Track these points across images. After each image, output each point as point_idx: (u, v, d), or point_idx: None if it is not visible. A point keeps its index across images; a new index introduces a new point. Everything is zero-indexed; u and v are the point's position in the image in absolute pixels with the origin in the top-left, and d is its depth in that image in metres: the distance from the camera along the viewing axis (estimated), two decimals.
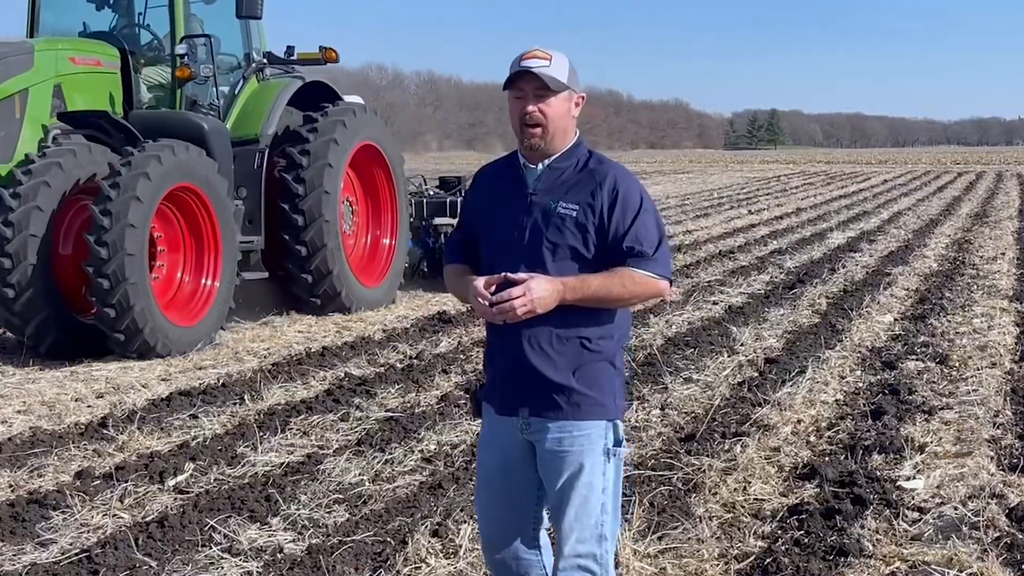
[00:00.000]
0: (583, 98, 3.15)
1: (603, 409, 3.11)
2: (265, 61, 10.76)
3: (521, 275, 2.99)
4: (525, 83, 3.06)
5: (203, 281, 9.39)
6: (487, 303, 3.00)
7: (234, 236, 9.52)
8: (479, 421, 3.35)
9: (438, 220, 12.82)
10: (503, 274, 3.02)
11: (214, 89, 10.13)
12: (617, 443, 3.15)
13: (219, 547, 4.65)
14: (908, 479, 5.36)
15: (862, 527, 4.67)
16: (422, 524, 4.80)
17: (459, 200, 11.83)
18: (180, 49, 9.69)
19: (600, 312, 3.09)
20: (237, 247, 9.61)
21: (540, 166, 3.14)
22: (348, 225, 11.13)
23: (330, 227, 10.28)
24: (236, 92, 10.46)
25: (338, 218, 10.46)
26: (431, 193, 13.54)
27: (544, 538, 3.34)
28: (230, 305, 9.52)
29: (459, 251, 3.31)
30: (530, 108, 3.06)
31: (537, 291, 2.96)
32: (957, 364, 7.97)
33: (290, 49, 10.94)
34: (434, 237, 12.86)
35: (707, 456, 5.76)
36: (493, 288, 3.02)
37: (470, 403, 3.38)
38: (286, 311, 10.71)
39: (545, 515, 3.28)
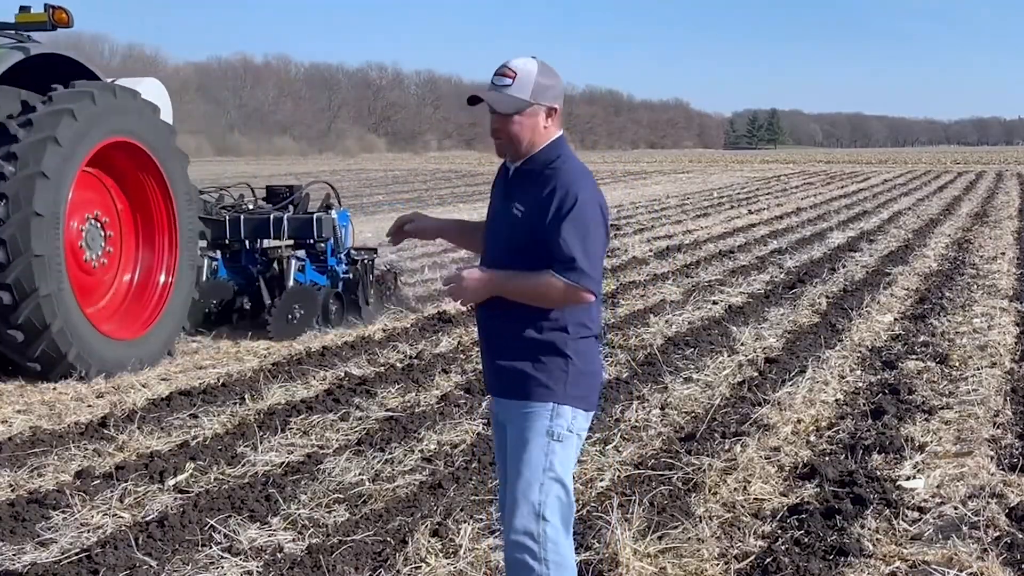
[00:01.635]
0: (555, 109, 3.28)
1: (548, 392, 3.26)
2: None
3: (467, 267, 3.28)
4: (483, 103, 3.27)
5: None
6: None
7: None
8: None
9: (268, 243, 10.18)
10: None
11: None
12: (566, 428, 3.26)
13: (219, 547, 4.65)
14: (908, 479, 5.36)
15: (862, 527, 4.67)
16: (422, 524, 4.80)
17: (287, 217, 9.93)
18: None
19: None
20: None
21: (512, 168, 3.36)
22: (95, 255, 8.18)
23: (44, 264, 7.36)
24: None
25: (62, 249, 7.56)
26: (251, 207, 10.51)
27: None
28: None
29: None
30: (494, 126, 3.29)
31: (467, 280, 3.23)
32: (957, 364, 7.97)
33: (24, 9, 8.27)
34: (263, 265, 10.08)
35: (707, 456, 5.76)
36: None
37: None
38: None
39: None
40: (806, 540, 4.57)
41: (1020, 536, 4.55)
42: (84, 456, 5.99)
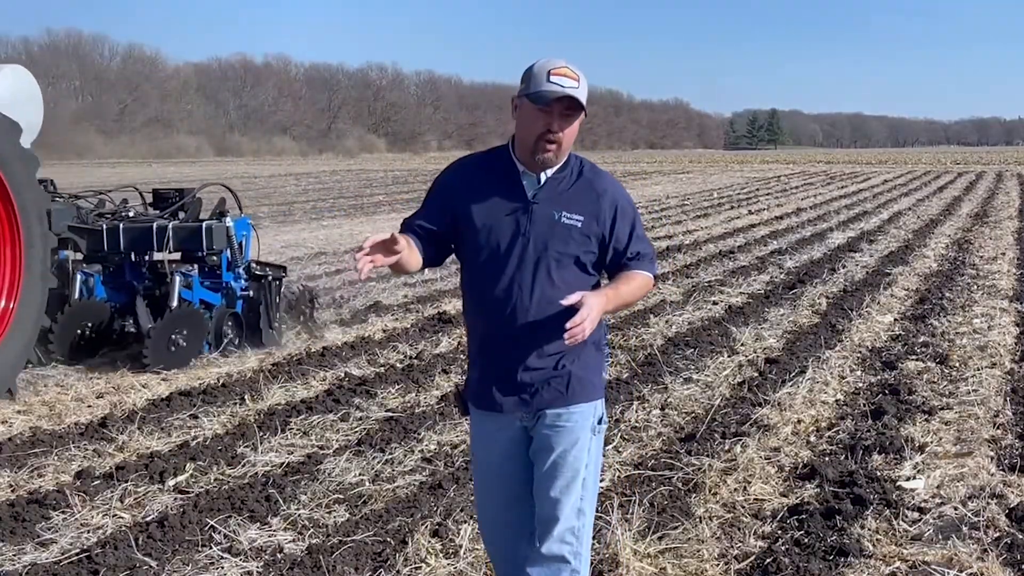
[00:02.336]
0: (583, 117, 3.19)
1: (595, 389, 3.28)
2: None
3: (572, 298, 3.05)
4: (555, 102, 3.07)
5: None
6: (575, 330, 3.01)
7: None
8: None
9: (158, 255, 8.77)
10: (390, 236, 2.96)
11: None
12: (600, 420, 3.30)
13: (219, 547, 4.65)
14: (908, 479, 5.36)
15: (862, 527, 4.67)
16: (422, 524, 4.80)
17: (172, 225, 8.59)
18: None
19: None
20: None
21: (543, 176, 3.18)
22: None
23: None
24: None
25: None
26: (132, 215, 9.08)
27: None
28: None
29: (410, 229, 3.22)
30: (555, 127, 3.09)
31: (596, 308, 3.08)
32: (957, 364, 7.97)
33: None
34: (150, 282, 8.80)
35: (707, 456, 5.76)
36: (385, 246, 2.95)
37: (456, 403, 3.43)
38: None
39: None
40: (806, 540, 4.57)
41: (1020, 536, 4.55)
42: (84, 456, 5.99)
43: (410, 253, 3.10)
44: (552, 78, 3.04)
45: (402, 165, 66.93)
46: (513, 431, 3.24)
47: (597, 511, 4.87)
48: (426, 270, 13.10)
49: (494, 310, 3.16)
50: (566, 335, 3.02)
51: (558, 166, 3.18)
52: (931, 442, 5.95)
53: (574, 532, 3.19)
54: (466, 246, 3.22)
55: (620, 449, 6.02)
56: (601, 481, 5.38)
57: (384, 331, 9.82)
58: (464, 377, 3.45)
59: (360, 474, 5.56)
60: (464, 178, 3.27)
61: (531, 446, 3.25)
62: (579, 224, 3.15)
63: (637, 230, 3.28)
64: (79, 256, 8.60)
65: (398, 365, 8.31)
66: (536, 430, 3.22)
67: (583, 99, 3.07)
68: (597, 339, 3.27)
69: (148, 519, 4.98)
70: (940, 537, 4.59)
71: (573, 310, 3.04)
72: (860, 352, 8.58)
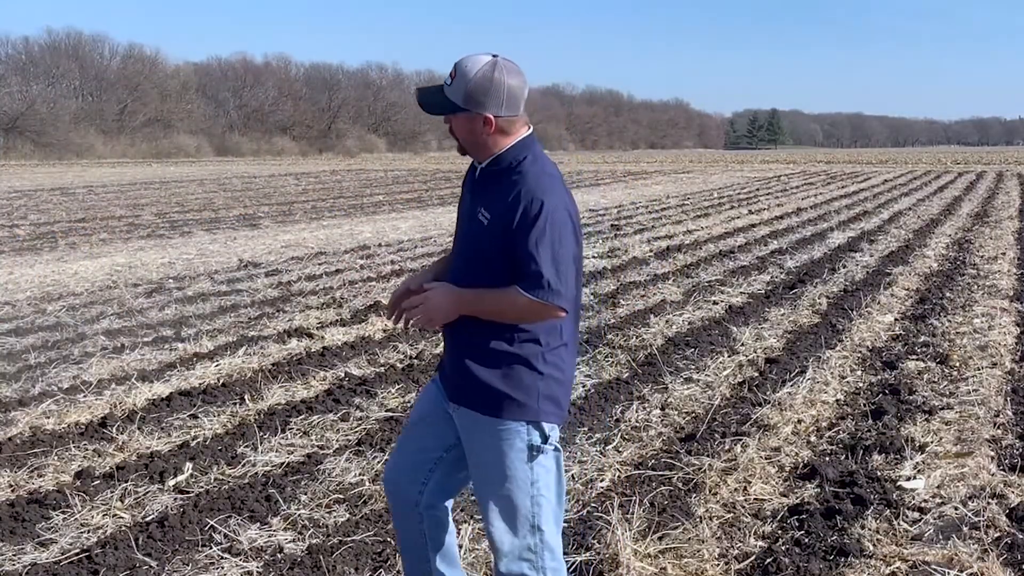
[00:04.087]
0: (489, 120, 3.07)
1: (523, 409, 3.14)
2: None
3: (429, 284, 3.13)
4: None
5: None
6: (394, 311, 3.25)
7: None
8: (556, 440, 3.37)
9: None
10: (413, 286, 3.28)
11: None
12: (544, 440, 3.18)
13: (219, 547, 4.65)
14: (908, 479, 5.36)
15: (862, 527, 4.67)
16: None
17: None
18: None
19: None
20: None
21: (479, 168, 3.22)
22: None
23: None
24: None
25: None
26: None
27: (433, 515, 3.44)
28: None
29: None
30: (446, 122, 3.20)
31: (433, 300, 3.09)
32: (957, 364, 7.97)
33: None
34: None
35: (707, 456, 5.76)
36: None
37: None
38: (280, 309, 10.72)
39: (436, 491, 3.42)
40: (806, 540, 4.57)
41: (1020, 536, 4.55)
42: (84, 456, 5.99)
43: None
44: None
45: (402, 165, 66.93)
46: (442, 404, 3.34)
47: (597, 511, 4.90)
48: None
49: None
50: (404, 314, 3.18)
51: (489, 160, 3.16)
52: (931, 442, 5.95)
53: (531, 548, 3.18)
54: None
55: (620, 449, 6.01)
56: (601, 481, 5.44)
57: (384, 331, 9.81)
58: None
59: (360, 474, 5.56)
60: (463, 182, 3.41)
61: (462, 439, 3.30)
62: (486, 222, 3.07)
63: (534, 244, 2.95)
64: None
65: (398, 365, 8.31)
66: (460, 424, 3.28)
67: (450, 97, 3.09)
68: (527, 355, 3.11)
69: (148, 519, 4.98)
70: (940, 537, 4.59)
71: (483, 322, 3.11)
72: (860, 352, 8.58)
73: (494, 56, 3.10)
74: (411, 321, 3.13)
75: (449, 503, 3.50)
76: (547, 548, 3.22)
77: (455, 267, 3.21)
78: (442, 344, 3.40)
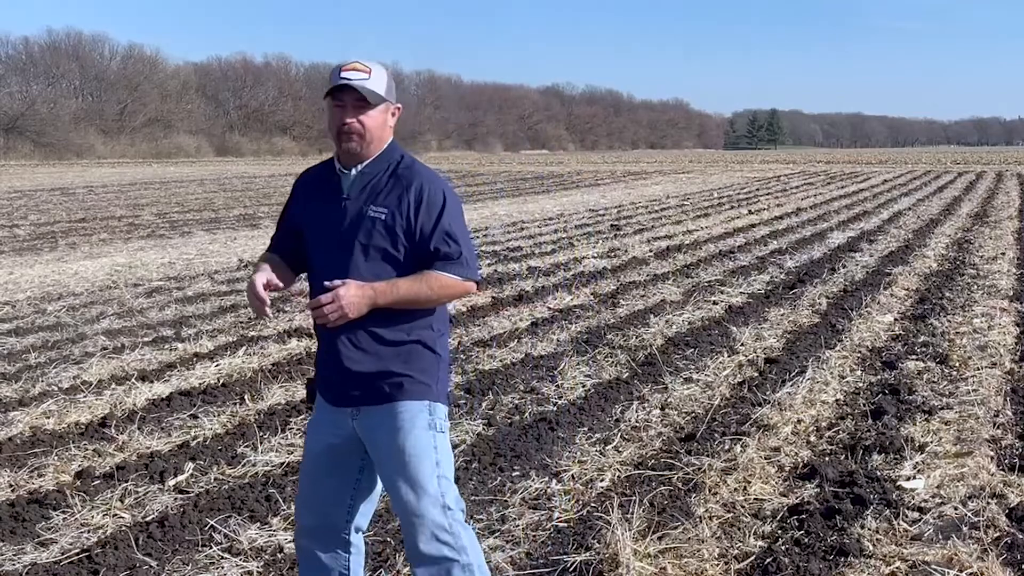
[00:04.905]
0: (399, 109, 3.32)
1: (425, 389, 3.27)
2: None
3: (335, 282, 3.13)
4: (345, 95, 3.18)
5: None
6: (267, 309, 3.22)
7: None
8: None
9: None
10: (272, 282, 3.26)
11: None
12: (443, 421, 3.30)
13: (219, 547, 4.65)
14: (908, 479, 5.36)
15: (862, 527, 4.67)
16: None
17: None
18: None
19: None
20: None
21: (353, 171, 3.26)
22: None
23: None
24: None
25: None
26: None
27: (358, 540, 3.48)
28: None
29: (274, 243, 3.48)
30: (348, 120, 3.19)
31: (347, 298, 3.11)
32: (957, 364, 7.97)
33: None
34: None
35: (707, 456, 5.76)
36: (267, 290, 3.24)
37: (307, 391, 3.47)
38: (279, 308, 10.71)
39: (361, 515, 3.45)
40: (806, 540, 4.57)
41: (1020, 536, 4.55)
42: (84, 456, 5.99)
43: (282, 273, 3.36)
44: (342, 74, 3.17)
45: None
46: (345, 425, 3.31)
47: (597, 511, 4.90)
48: None
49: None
50: (312, 315, 3.14)
51: (370, 160, 3.25)
52: (931, 442, 5.95)
53: (446, 528, 3.21)
54: (304, 246, 3.36)
55: (620, 449, 6.02)
56: (601, 481, 5.44)
57: None
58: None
59: None
60: (301, 186, 3.44)
61: (367, 447, 3.30)
62: (383, 216, 3.18)
63: (445, 226, 3.19)
64: None
65: None
66: (369, 430, 3.27)
67: (374, 88, 3.17)
68: (425, 338, 3.25)
69: (148, 519, 4.98)
70: (940, 537, 4.58)
71: (397, 310, 3.16)
72: (860, 352, 8.58)
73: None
74: (330, 319, 3.13)
75: (364, 528, 3.55)
76: (460, 525, 3.27)
77: (334, 266, 3.19)
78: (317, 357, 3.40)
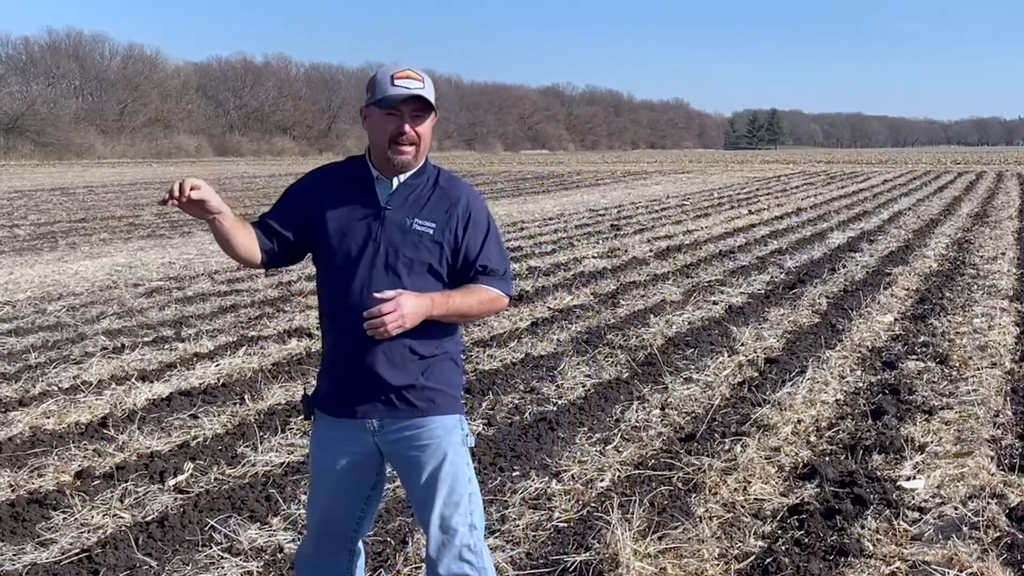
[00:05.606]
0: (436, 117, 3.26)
1: (455, 402, 3.26)
2: None
3: (389, 292, 3.04)
4: (403, 104, 3.09)
5: None
6: (373, 321, 3.02)
7: None
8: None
9: None
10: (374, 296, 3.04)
11: None
12: (466, 435, 3.28)
13: (219, 547, 4.65)
14: (908, 479, 5.36)
15: (862, 527, 4.67)
16: None
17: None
18: None
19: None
20: None
21: (395, 181, 3.18)
22: None
23: None
24: None
25: None
26: None
27: (359, 546, 3.44)
28: None
29: (262, 222, 3.24)
30: (407, 128, 3.10)
31: (407, 307, 3.03)
32: (957, 364, 7.97)
33: None
34: None
35: (707, 456, 5.76)
36: (375, 308, 3.01)
37: (303, 407, 3.38)
38: (280, 309, 10.72)
39: (368, 523, 3.40)
40: (806, 540, 4.57)
41: (1020, 536, 4.55)
42: (84, 456, 5.99)
43: (243, 234, 3.12)
44: (396, 82, 3.09)
45: None
46: (363, 440, 3.21)
47: (597, 511, 4.90)
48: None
49: (346, 316, 3.10)
50: (365, 324, 3.02)
51: (412, 172, 3.18)
52: (931, 442, 5.95)
53: (472, 549, 3.16)
54: (320, 251, 3.22)
55: (620, 449, 6.02)
56: (601, 481, 5.44)
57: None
58: (316, 381, 3.38)
59: None
60: (320, 183, 3.28)
61: (391, 460, 3.24)
62: (431, 231, 3.13)
63: (490, 243, 3.22)
64: None
65: None
66: (396, 444, 3.19)
67: (431, 98, 3.12)
68: (452, 352, 3.26)
69: (148, 519, 4.98)
70: (940, 537, 4.58)
71: (428, 322, 3.11)
72: (860, 352, 8.58)
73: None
74: (389, 330, 3.02)
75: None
76: (484, 547, 3.22)
77: (373, 277, 3.10)
78: (332, 369, 3.26)
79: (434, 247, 3.13)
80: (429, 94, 3.11)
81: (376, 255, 3.12)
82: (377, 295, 3.03)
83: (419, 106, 3.10)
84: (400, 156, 3.11)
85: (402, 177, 3.17)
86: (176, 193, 2.94)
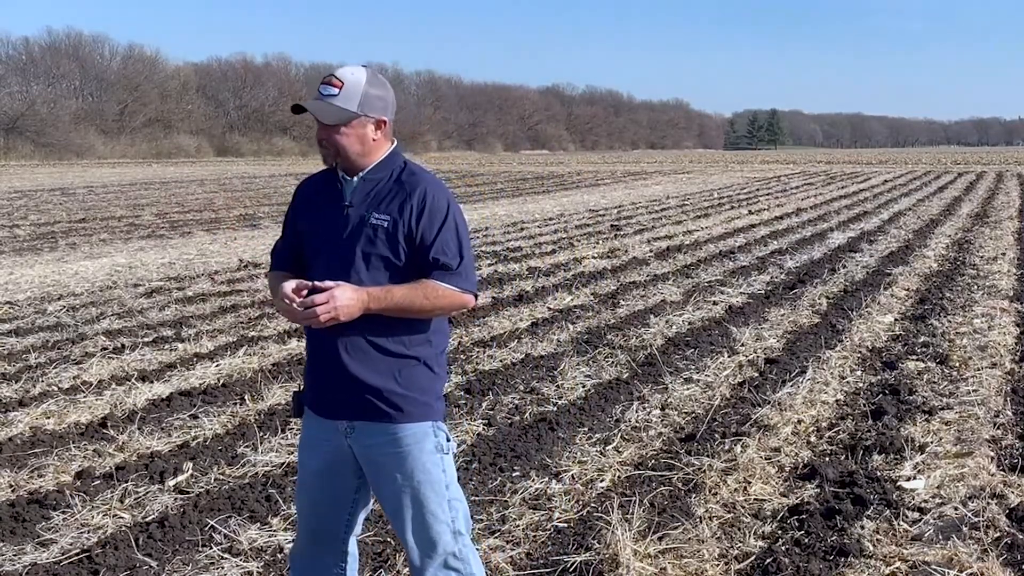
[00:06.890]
0: (384, 121, 3.17)
1: (428, 409, 3.17)
2: None
3: (327, 283, 3.02)
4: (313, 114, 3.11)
5: None
6: (296, 307, 3.03)
7: None
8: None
9: None
10: (312, 282, 3.06)
11: None
12: (447, 441, 3.22)
13: (219, 547, 4.65)
14: (908, 479, 5.36)
15: (862, 527, 4.67)
16: None
17: None
18: None
19: (414, 319, 3.13)
20: None
21: (355, 179, 3.18)
22: None
23: None
24: None
25: None
26: None
27: (352, 546, 3.40)
28: None
29: (281, 258, 3.35)
30: (320, 136, 3.13)
31: (341, 299, 2.99)
32: (957, 364, 7.97)
33: None
34: None
35: (707, 456, 5.76)
36: (304, 293, 3.04)
37: (293, 404, 3.38)
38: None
39: (358, 523, 3.37)
40: (806, 540, 4.57)
41: (1020, 537, 4.55)
42: (84, 456, 5.99)
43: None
44: (319, 87, 3.10)
45: None
46: (337, 441, 3.20)
47: (597, 511, 4.90)
48: None
49: None
50: (299, 315, 3.01)
51: (371, 167, 3.17)
52: (931, 442, 5.95)
53: (457, 555, 3.15)
54: (304, 254, 3.26)
55: (620, 449, 6.01)
56: (601, 481, 5.44)
57: None
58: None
59: None
60: (301, 194, 3.35)
61: (363, 465, 3.21)
62: (385, 224, 3.09)
63: (446, 235, 3.10)
64: None
65: None
66: (366, 449, 3.17)
67: (342, 105, 3.06)
68: (426, 356, 3.16)
69: (148, 519, 4.98)
70: (940, 537, 4.58)
71: (386, 317, 3.07)
72: (860, 352, 8.58)
73: (364, 66, 3.19)
74: (320, 320, 3.01)
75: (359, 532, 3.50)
76: (469, 549, 3.20)
77: (334, 273, 3.09)
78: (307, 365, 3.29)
79: (388, 240, 3.09)
80: (341, 101, 3.06)
81: (339, 253, 3.13)
82: (318, 284, 3.03)
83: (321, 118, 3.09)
84: (325, 159, 3.17)
85: (361, 174, 3.18)
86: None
